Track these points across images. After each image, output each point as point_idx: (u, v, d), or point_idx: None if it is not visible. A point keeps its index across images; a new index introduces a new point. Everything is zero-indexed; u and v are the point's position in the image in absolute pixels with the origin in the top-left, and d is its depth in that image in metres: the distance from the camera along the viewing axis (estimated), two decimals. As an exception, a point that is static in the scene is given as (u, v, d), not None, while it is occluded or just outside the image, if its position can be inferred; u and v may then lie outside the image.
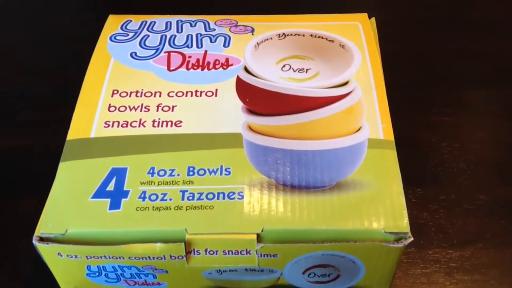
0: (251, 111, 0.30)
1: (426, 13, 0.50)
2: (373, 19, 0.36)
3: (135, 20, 0.36)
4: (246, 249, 0.26)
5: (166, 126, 0.29)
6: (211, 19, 0.36)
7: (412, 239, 0.26)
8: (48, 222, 0.26)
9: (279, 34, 0.34)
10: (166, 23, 0.36)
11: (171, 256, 0.26)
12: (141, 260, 0.26)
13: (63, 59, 0.46)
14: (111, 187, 0.27)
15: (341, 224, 0.26)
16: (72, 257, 0.26)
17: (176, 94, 0.31)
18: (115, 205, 0.26)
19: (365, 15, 0.36)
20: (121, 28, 0.35)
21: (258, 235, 0.25)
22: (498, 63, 0.46)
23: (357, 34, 0.35)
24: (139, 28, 0.35)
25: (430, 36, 0.48)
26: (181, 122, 0.30)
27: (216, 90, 0.31)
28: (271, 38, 0.34)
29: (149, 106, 0.30)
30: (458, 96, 0.43)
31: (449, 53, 0.47)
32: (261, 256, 0.26)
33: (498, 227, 0.35)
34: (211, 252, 0.26)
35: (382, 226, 0.26)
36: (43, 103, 0.43)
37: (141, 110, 0.30)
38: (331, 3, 0.50)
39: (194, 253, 0.26)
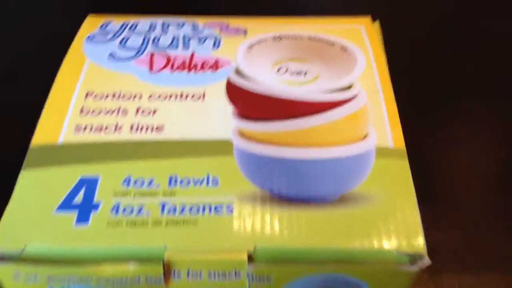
0: (243, 115, 0.27)
1: (432, 19, 0.48)
2: (377, 22, 0.33)
3: (117, 21, 0.33)
4: (235, 271, 0.22)
5: (146, 131, 0.26)
6: (199, 20, 0.33)
7: (429, 261, 0.22)
8: (4, 237, 0.22)
9: (275, 37, 0.31)
10: (150, 24, 0.32)
11: (147, 279, 0.22)
12: (111, 283, 0.22)
13: (34, 60, 0.43)
14: (79, 198, 0.23)
15: (346, 243, 0.22)
16: (31, 278, 0.22)
17: (158, 97, 0.28)
18: (82, 219, 0.23)
19: (368, 17, 0.33)
20: (100, 29, 0.32)
21: (249, 255, 0.22)
22: (506, 76, 0.43)
23: (360, 37, 0.32)
24: (120, 29, 0.32)
25: (436, 43, 0.45)
26: (163, 127, 0.26)
27: (204, 93, 0.28)
28: (265, 41, 0.31)
29: (127, 109, 0.27)
30: (462, 106, 0.40)
31: (454, 61, 0.44)
32: (252, 279, 0.22)
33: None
34: (194, 275, 0.22)
35: (394, 245, 0.22)
36: (8, 107, 0.39)
37: (118, 114, 0.27)
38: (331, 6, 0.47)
39: (174, 276, 0.22)
